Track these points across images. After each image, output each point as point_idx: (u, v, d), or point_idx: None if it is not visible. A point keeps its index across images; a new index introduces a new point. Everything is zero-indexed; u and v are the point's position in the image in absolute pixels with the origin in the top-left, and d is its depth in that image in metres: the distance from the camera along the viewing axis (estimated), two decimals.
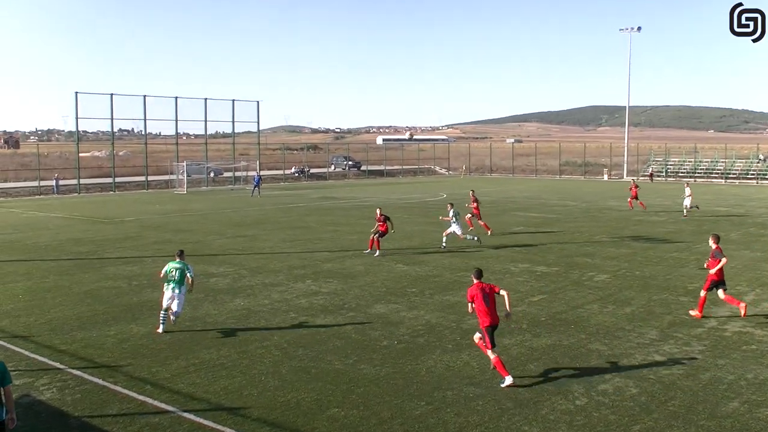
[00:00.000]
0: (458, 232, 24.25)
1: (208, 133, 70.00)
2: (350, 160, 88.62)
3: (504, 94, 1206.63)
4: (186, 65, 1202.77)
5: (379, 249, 23.23)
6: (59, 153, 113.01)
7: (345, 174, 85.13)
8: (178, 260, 14.45)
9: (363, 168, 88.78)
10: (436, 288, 18.30)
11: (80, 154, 65.44)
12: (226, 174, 74.32)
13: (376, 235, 23.41)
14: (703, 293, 15.11)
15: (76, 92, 57.85)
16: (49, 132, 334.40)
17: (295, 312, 15.84)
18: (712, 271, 14.79)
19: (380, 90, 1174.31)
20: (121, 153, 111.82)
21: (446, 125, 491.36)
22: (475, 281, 11.57)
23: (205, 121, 67.45)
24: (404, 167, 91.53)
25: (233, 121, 69.88)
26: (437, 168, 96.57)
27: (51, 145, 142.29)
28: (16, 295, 17.52)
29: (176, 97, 64.75)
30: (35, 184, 59.09)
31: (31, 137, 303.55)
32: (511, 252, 23.77)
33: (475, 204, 28.61)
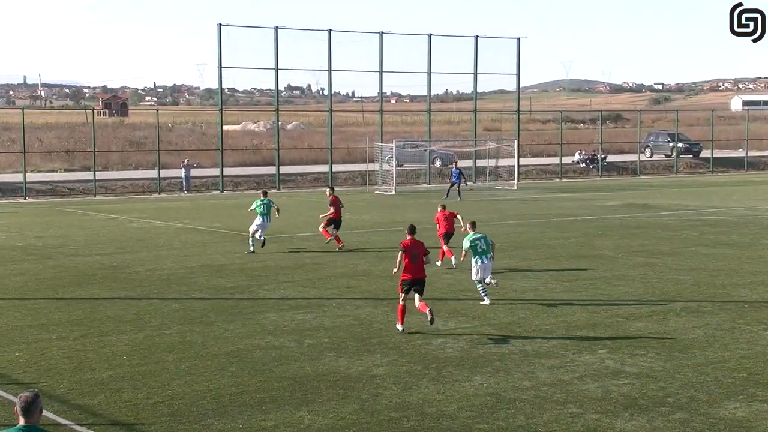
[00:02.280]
0: (256, 230, 32.97)
1: (432, 93, 71.97)
2: (680, 141, 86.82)
3: None
4: None
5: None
6: (191, 124, 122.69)
7: (670, 164, 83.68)
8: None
9: (703, 154, 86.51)
10: None
11: (225, 127, 70.23)
12: (462, 162, 75.93)
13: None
14: None
15: (220, 25, 61.77)
16: (176, 90, 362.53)
17: (578, 405, 15.74)
18: None
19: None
20: (289, 126, 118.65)
21: None
22: (408, 237, 21.09)
23: (429, 73, 69.48)
24: None
25: (475, 73, 71.31)
26: None
27: (178, 111, 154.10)
28: (118, 354, 19.06)
29: (381, 33, 67.15)
30: (152, 174, 64.28)
31: (147, 98, 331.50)
32: None
33: (333, 208, 34.27)
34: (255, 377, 17.25)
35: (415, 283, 20.79)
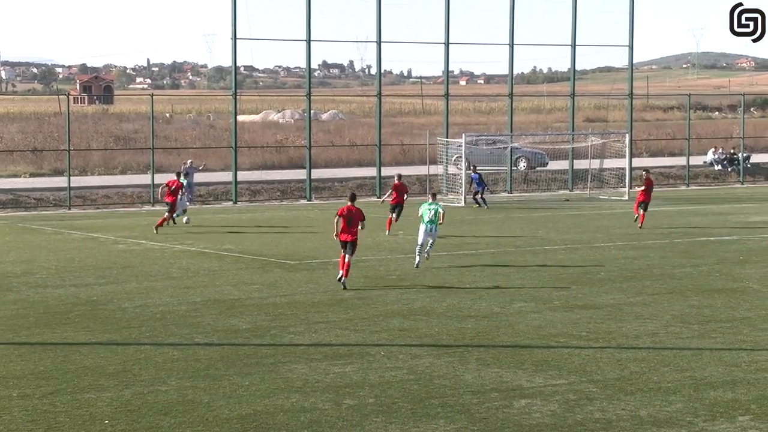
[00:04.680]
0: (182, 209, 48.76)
1: (515, 71, 71.66)
2: None
3: None
4: None
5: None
6: (195, 114, 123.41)
7: None
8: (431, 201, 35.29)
9: None
10: None
11: (240, 118, 70.50)
12: (554, 164, 75.76)
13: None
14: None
15: None
16: (176, 69, 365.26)
17: None
18: None
19: None
20: (324, 115, 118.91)
21: None
22: (348, 203, 32.28)
23: (511, 44, 69.27)
24: None
25: (573, 45, 71.00)
26: None
27: (179, 97, 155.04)
28: (98, 418, 19.06)
29: None
30: (145, 180, 64.58)
31: (138, 79, 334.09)
32: None
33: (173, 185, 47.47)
34: None
35: (348, 243, 31.59)
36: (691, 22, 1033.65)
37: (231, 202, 62.68)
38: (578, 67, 73.13)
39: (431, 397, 20.05)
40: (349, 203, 32.51)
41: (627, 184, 65.55)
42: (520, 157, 74.78)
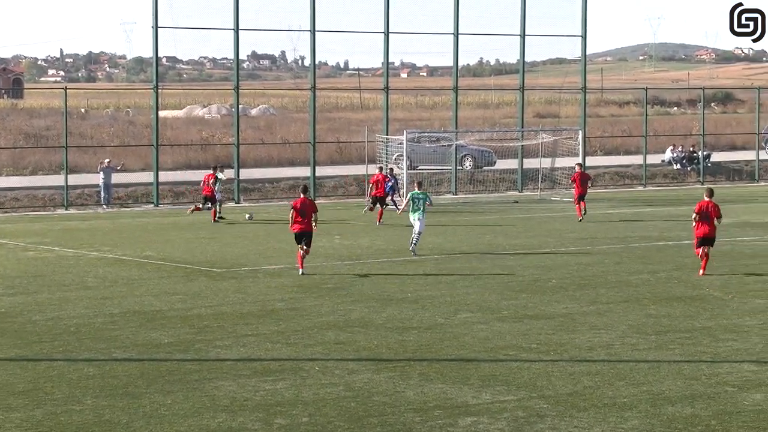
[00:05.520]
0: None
1: (460, 63, 71.85)
2: None
3: None
4: None
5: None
6: (113, 109, 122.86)
7: None
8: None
9: None
10: None
11: (162, 113, 70.14)
12: (502, 163, 75.86)
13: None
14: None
15: None
16: (92, 60, 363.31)
17: None
18: None
19: None
20: (254, 111, 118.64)
21: None
22: (301, 195, 36.55)
23: (456, 34, 69.38)
24: None
25: (523, 35, 71.19)
26: None
27: (95, 91, 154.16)
28: None
29: None
30: (58, 181, 64.01)
31: (50, 71, 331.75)
32: None
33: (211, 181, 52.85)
34: None
35: (303, 235, 35.58)
36: (648, 11, 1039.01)
37: (152, 205, 62.37)
38: (528, 59, 73.26)
39: (370, 416, 20.04)
40: (302, 195, 36.51)
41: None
42: (465, 155, 74.82)
